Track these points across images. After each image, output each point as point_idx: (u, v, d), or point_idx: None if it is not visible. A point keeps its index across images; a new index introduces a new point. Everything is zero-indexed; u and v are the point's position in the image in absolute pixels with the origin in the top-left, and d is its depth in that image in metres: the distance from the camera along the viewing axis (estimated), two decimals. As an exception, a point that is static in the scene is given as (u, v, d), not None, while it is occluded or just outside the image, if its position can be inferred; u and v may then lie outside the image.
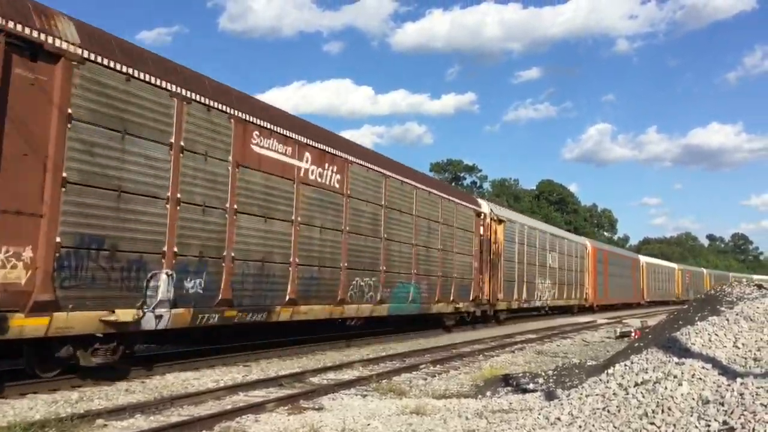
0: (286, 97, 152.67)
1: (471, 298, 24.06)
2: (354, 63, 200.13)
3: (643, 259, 59.79)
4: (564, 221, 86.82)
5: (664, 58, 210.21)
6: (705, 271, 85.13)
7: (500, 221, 27.08)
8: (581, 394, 6.25)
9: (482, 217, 25.64)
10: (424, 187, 20.83)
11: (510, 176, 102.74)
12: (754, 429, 4.40)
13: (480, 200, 27.31)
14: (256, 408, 8.39)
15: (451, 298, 22.30)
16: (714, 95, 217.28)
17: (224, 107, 12.01)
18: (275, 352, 14.45)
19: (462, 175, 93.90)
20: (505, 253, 27.34)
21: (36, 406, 8.24)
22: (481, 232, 25.35)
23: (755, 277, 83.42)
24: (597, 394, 5.99)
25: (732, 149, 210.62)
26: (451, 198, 23.16)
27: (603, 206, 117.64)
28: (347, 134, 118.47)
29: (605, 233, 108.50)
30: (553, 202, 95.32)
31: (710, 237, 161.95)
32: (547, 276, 33.35)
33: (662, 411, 5.12)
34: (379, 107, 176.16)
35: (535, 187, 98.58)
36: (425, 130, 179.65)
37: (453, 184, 76.33)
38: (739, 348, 6.77)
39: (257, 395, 9.60)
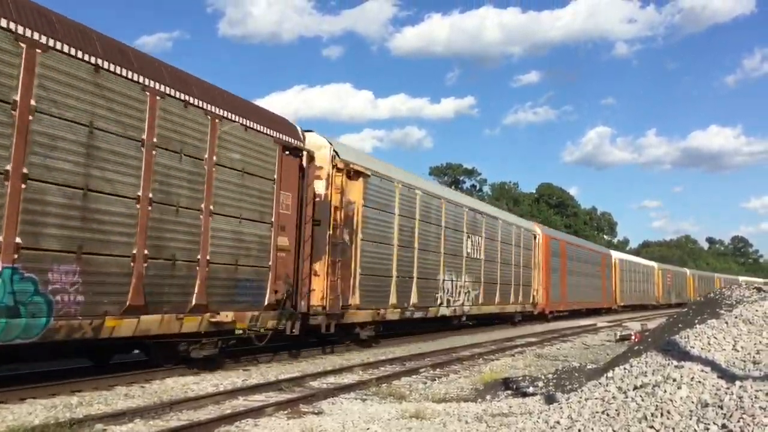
0: (286, 102, 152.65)
1: (267, 303, 13.14)
2: (354, 67, 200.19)
3: (616, 255, 51.92)
4: (564, 224, 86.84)
5: (663, 62, 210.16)
6: (688, 271, 79.20)
7: (357, 174, 16.46)
8: (581, 397, 6.25)
9: (307, 159, 14.56)
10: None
11: (510, 179, 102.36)
12: (753, 432, 4.41)
13: (313, 134, 15.73)
14: (256, 412, 8.39)
15: (194, 303, 11.28)
16: (713, 98, 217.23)
17: None
18: (275, 357, 14.44)
19: (461, 178, 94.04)
20: (368, 230, 17.05)
21: (35, 410, 8.23)
22: (307, 187, 14.46)
23: (741, 278, 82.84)
24: (596, 398, 5.98)
25: (732, 152, 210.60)
26: (192, 100, 11.47)
27: (603, 209, 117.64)
28: (347, 138, 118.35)
29: (605, 236, 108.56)
30: (552, 206, 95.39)
31: (710, 240, 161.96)
32: (463, 271, 23.45)
33: (661, 414, 5.12)
34: (379, 111, 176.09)
35: (534, 191, 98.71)
36: (425, 134, 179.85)
37: (452, 187, 76.23)
38: (738, 351, 6.77)
39: (257, 399, 9.59)
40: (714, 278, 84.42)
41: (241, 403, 9.36)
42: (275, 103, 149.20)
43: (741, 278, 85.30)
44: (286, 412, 8.63)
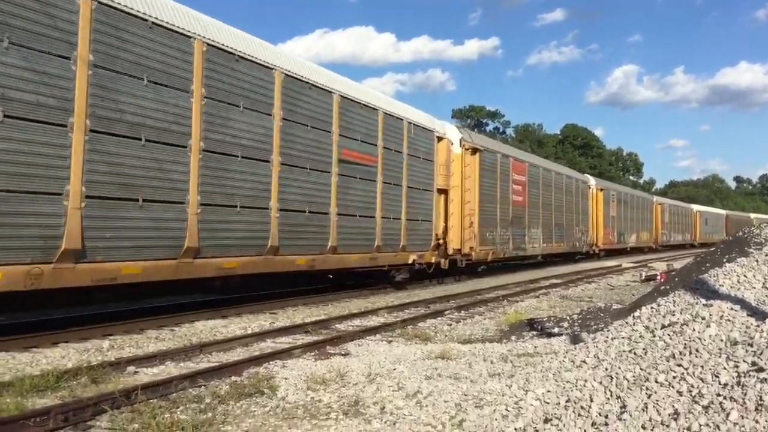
0: (306, 46, 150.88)
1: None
2: (374, 9, 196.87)
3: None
4: (588, 165, 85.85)
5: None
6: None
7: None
8: (607, 337, 6.23)
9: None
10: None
11: (534, 121, 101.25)
12: (783, 369, 4.35)
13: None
14: (284, 354, 8.50)
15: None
16: (743, 33, 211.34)
17: None
18: (301, 300, 14.58)
19: (485, 121, 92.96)
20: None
21: (68, 354, 8.42)
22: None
23: (753, 215, 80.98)
24: (623, 337, 5.96)
25: (761, 89, 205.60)
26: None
27: (629, 150, 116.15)
28: (370, 82, 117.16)
29: (631, 177, 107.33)
30: (577, 147, 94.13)
31: (737, 179, 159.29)
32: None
33: (690, 353, 5.08)
34: (401, 54, 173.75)
35: (559, 132, 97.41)
36: (448, 77, 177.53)
37: (475, 130, 75.34)
38: (768, 289, 6.67)
39: (284, 342, 9.72)
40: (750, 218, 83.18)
41: (268, 345, 9.50)
42: (297, 47, 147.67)
43: (716, 210, 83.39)
44: (313, 353, 8.73)
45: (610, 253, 40.38)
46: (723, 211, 77.89)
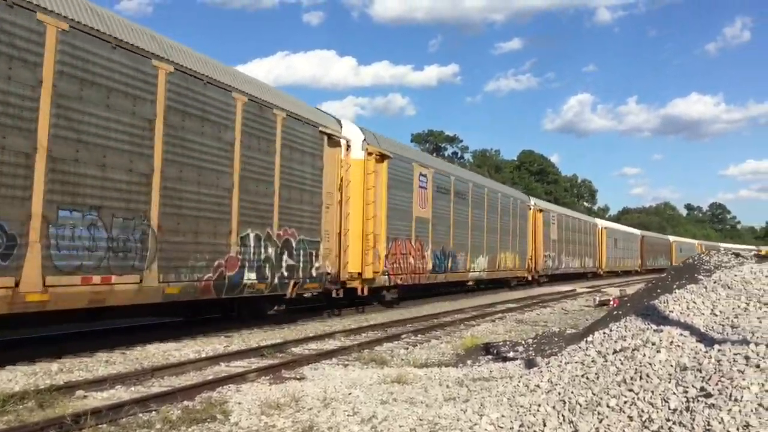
0: (268, 68, 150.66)
1: None
2: (335, 34, 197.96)
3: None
4: (544, 191, 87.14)
5: (645, 29, 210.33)
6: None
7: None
8: (561, 361, 6.30)
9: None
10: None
11: (491, 147, 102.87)
12: (731, 395, 4.46)
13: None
14: (238, 378, 8.38)
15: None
16: (694, 66, 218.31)
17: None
18: (257, 323, 14.42)
19: (443, 145, 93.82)
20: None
21: (15, 377, 8.17)
22: None
23: (672, 238, 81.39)
24: (576, 362, 6.03)
25: (711, 120, 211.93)
26: None
27: (583, 176, 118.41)
28: (330, 106, 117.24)
29: (585, 203, 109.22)
30: (533, 173, 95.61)
31: (688, 207, 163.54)
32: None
33: (640, 378, 5.17)
34: (361, 78, 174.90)
35: (516, 158, 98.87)
36: (408, 102, 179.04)
37: (434, 154, 76.07)
38: (716, 315, 6.84)
39: (239, 365, 9.59)
40: (695, 244, 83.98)
41: (222, 369, 9.36)
42: (258, 69, 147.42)
43: (672, 238, 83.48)
44: (268, 377, 8.63)
45: (425, 294, 23.92)
46: (638, 232, 66.80)
